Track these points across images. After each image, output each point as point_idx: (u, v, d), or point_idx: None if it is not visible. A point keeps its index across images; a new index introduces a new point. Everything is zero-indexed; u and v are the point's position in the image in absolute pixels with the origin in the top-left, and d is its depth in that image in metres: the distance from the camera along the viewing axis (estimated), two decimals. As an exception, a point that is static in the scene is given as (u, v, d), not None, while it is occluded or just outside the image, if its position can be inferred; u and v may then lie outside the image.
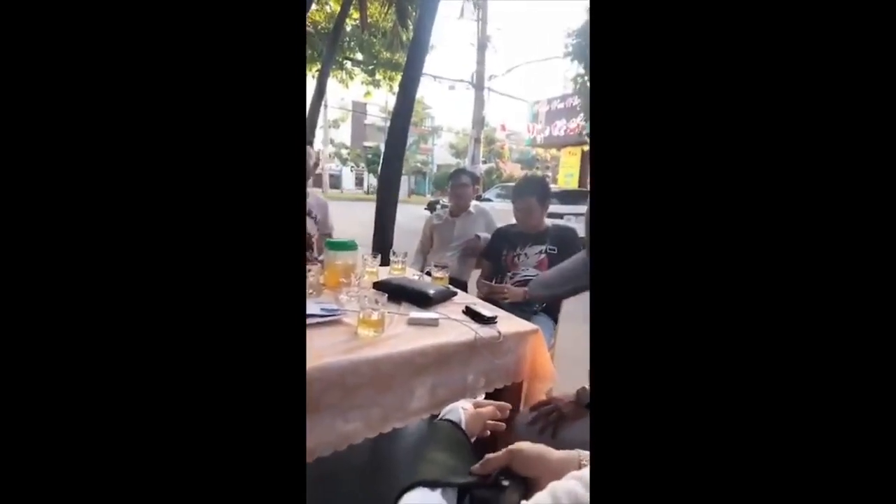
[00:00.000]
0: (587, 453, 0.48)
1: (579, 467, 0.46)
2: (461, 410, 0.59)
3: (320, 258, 1.57)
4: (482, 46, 11.53)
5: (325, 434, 0.80)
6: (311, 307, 1.00)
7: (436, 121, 27.41)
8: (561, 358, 1.63)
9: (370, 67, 8.87)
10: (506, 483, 0.47)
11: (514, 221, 1.76)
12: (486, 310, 1.15)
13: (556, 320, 1.67)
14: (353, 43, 8.46)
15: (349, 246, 1.35)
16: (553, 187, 2.90)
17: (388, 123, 3.61)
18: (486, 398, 1.06)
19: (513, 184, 3.72)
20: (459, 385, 1.00)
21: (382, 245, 2.94)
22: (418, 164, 26.67)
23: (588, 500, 0.36)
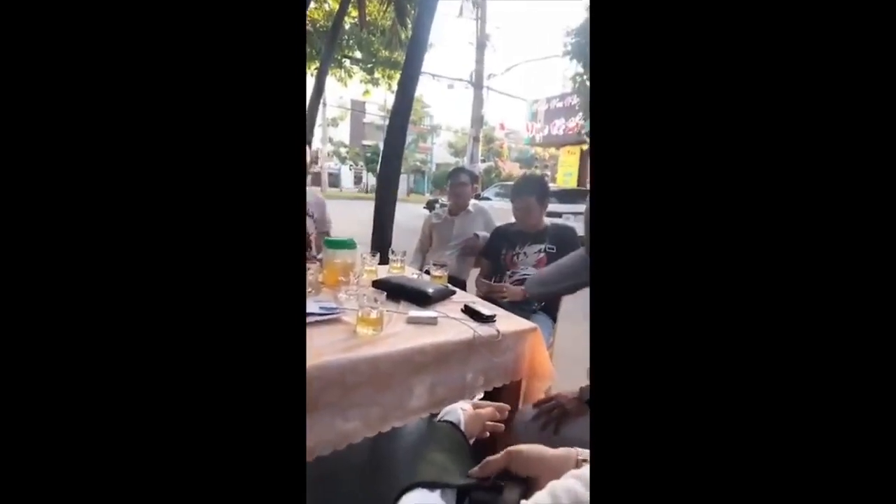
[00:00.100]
0: (585, 451, 0.48)
1: (577, 465, 0.46)
2: (460, 411, 0.59)
3: (319, 257, 1.57)
4: (481, 45, 11.51)
5: (325, 433, 0.80)
6: (310, 306, 1.00)
7: (435, 119, 27.38)
8: (560, 356, 1.63)
9: (369, 66, 8.85)
10: (504, 485, 0.47)
11: (512, 220, 1.76)
12: (485, 308, 1.15)
13: (554, 319, 1.67)
14: (351, 41, 8.44)
15: (348, 244, 1.35)
16: (552, 186, 2.90)
17: (387, 122, 3.60)
18: (484, 397, 1.06)
19: (512, 183, 3.72)
20: (458, 383, 1.00)
21: (381, 244, 2.93)
22: (417, 163, 26.64)
23: (587, 498, 0.36)
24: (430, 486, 0.44)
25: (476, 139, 11.54)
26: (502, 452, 0.49)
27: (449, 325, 1.06)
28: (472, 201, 2.19)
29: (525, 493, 0.45)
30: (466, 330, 1.03)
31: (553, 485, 0.39)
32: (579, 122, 11.16)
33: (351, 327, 0.96)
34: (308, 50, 7.16)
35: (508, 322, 1.12)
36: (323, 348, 0.84)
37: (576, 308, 1.75)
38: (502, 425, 0.63)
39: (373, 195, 3.52)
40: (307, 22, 7.16)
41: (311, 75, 7.04)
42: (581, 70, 8.12)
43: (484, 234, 1.99)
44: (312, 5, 7.22)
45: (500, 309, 1.21)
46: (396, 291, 1.22)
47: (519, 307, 1.46)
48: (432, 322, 1.05)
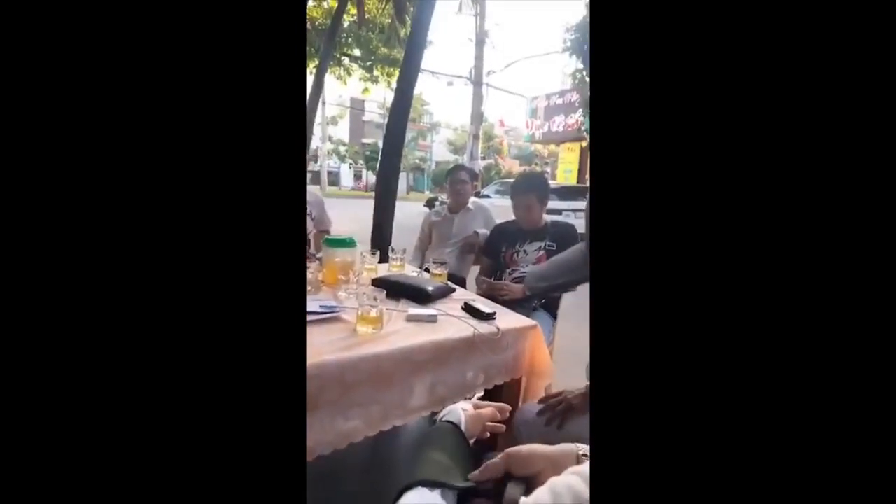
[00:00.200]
0: (585, 447, 0.48)
1: (578, 461, 0.46)
2: (461, 412, 0.59)
3: (318, 255, 1.57)
4: (480, 42, 11.48)
5: (325, 432, 0.80)
6: (310, 304, 1.00)
7: (434, 117, 27.34)
8: (560, 354, 1.63)
9: (368, 63, 8.82)
10: (505, 489, 0.46)
11: (512, 217, 1.76)
12: (485, 306, 1.15)
13: (555, 317, 1.67)
14: (350, 39, 8.40)
15: (348, 243, 1.35)
16: (552, 183, 2.90)
17: (387, 120, 3.59)
18: (485, 394, 1.06)
19: (511, 180, 3.71)
20: (459, 381, 1.00)
21: (381, 242, 2.93)
22: (417, 161, 26.62)
23: (588, 494, 0.36)
24: (431, 485, 0.44)
25: (476, 136, 11.52)
26: (501, 455, 0.49)
27: (449, 322, 1.06)
28: (472, 199, 2.19)
29: (526, 491, 0.45)
30: (466, 328, 1.02)
31: (553, 481, 0.39)
32: (579, 118, 11.15)
33: (351, 326, 0.96)
34: (307, 48, 7.14)
35: (508, 319, 1.12)
36: (323, 347, 0.84)
37: (576, 306, 1.75)
38: (503, 426, 0.63)
39: (372, 193, 3.51)
40: (306, 20, 7.13)
41: (311, 73, 7.02)
42: (581, 66, 8.10)
43: (484, 231, 1.99)
44: (311, 3, 7.20)
45: (500, 306, 1.21)
46: (396, 289, 1.22)
47: (519, 305, 1.46)
48: (432, 320, 1.05)
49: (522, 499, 0.39)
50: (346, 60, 8.76)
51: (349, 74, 8.97)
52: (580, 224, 1.22)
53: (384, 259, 1.64)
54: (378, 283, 1.26)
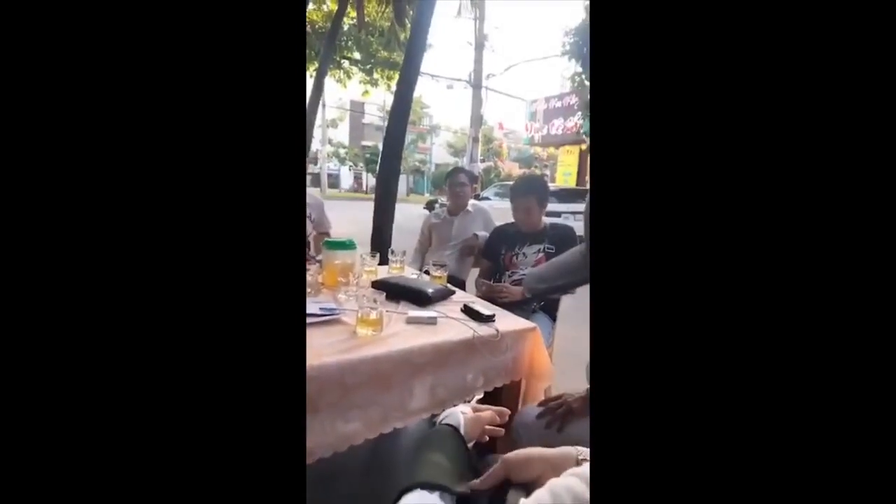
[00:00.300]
0: (585, 449, 0.48)
1: (577, 463, 0.46)
2: (460, 415, 0.59)
3: (318, 257, 1.57)
4: (480, 45, 11.53)
5: (325, 434, 0.80)
6: (310, 307, 1.00)
7: (434, 120, 27.36)
8: (559, 356, 1.63)
9: (368, 66, 8.84)
10: (506, 495, 0.46)
11: (512, 220, 1.76)
12: (485, 308, 1.15)
13: (554, 319, 1.67)
14: (350, 42, 8.43)
15: (347, 245, 1.35)
16: (551, 186, 2.90)
17: (386, 122, 3.60)
18: (484, 396, 1.06)
19: (511, 182, 3.71)
20: (458, 384, 1.00)
21: (381, 244, 2.93)
22: (416, 163, 26.62)
23: (588, 496, 0.36)
24: (430, 487, 0.44)
25: (475, 139, 11.55)
26: (498, 463, 0.48)
27: (448, 325, 1.06)
28: (472, 201, 2.19)
29: (526, 493, 0.45)
30: (466, 330, 1.03)
31: (553, 482, 0.39)
32: (578, 121, 11.16)
33: (350, 328, 0.96)
34: (307, 51, 7.15)
35: (508, 322, 1.12)
36: (322, 349, 0.84)
37: (576, 308, 1.75)
38: (502, 430, 0.63)
39: (372, 196, 3.52)
40: (306, 23, 7.15)
41: (310, 76, 7.03)
42: (580, 70, 8.11)
43: (483, 233, 1.99)
44: (311, 6, 7.21)
45: (499, 309, 1.21)
46: (396, 292, 1.22)
47: (518, 307, 1.46)
48: (432, 322, 1.05)
49: (522, 500, 0.39)
50: (345, 63, 8.78)
51: (349, 77, 8.98)
52: (578, 226, 1.22)
53: (384, 261, 1.64)
54: (378, 285, 1.26)
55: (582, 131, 10.84)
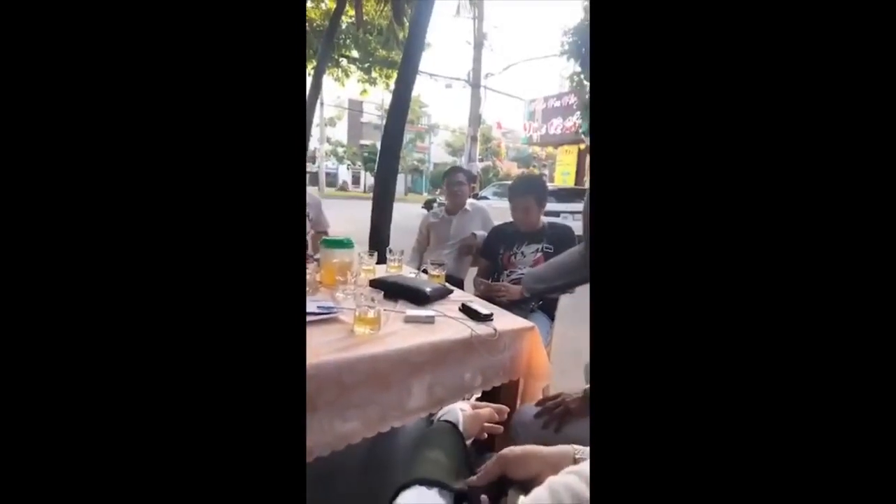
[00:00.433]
0: (582, 448, 0.48)
1: (575, 462, 0.46)
2: (459, 412, 0.59)
3: (316, 256, 1.57)
4: (478, 44, 11.52)
5: (323, 434, 0.80)
6: (308, 305, 1.00)
7: (432, 119, 27.36)
8: (557, 356, 1.63)
9: (366, 65, 8.83)
10: (506, 495, 0.47)
11: (510, 219, 1.76)
12: (483, 307, 1.15)
13: (552, 318, 1.67)
14: (348, 40, 8.41)
15: (346, 244, 1.35)
16: (550, 185, 2.91)
17: (385, 121, 3.60)
18: (482, 395, 1.06)
19: (509, 182, 3.71)
20: (456, 382, 1.00)
21: (379, 243, 2.93)
22: (415, 162, 26.62)
23: (587, 493, 0.37)
24: (428, 484, 0.44)
25: (474, 138, 11.55)
26: (495, 458, 0.49)
27: (446, 324, 1.06)
28: (470, 200, 2.19)
29: (525, 491, 0.45)
30: (464, 329, 1.03)
31: (552, 480, 0.39)
32: (577, 121, 11.18)
33: (348, 327, 0.96)
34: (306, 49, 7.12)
35: (506, 321, 1.12)
36: (320, 348, 0.84)
37: (573, 307, 1.75)
38: (501, 427, 0.63)
39: (370, 194, 3.51)
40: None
41: (309, 75, 7.02)
42: (578, 69, 8.13)
43: (482, 233, 1.99)
44: (309, 4, 7.19)
45: (497, 308, 1.21)
46: (394, 290, 1.22)
47: (517, 306, 1.46)
48: (430, 321, 1.05)
49: (521, 498, 0.39)
50: (344, 62, 8.76)
51: (347, 76, 8.97)
52: (577, 226, 1.22)
53: (382, 260, 1.64)
54: (376, 284, 1.26)
55: (580, 131, 10.86)
